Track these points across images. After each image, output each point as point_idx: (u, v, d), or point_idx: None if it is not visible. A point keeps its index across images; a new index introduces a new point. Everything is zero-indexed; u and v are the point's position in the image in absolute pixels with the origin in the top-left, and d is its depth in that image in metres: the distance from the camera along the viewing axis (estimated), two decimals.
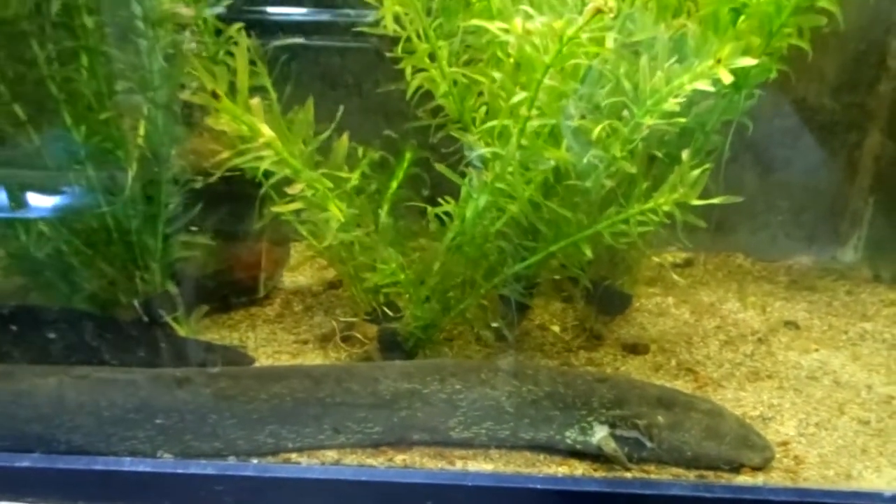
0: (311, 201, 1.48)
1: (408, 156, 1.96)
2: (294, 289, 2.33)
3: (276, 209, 1.55)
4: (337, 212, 1.46)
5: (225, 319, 2.12)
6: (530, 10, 1.41)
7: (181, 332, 1.84)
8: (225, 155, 1.45)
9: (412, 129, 1.90)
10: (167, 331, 1.79)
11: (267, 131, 1.35)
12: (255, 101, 1.35)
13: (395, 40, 1.76)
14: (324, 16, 2.42)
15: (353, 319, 1.96)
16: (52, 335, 1.53)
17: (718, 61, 1.30)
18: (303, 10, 2.40)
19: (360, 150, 1.79)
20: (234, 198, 1.99)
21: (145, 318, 1.80)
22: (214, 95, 1.30)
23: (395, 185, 1.93)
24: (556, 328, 2.12)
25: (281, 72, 1.83)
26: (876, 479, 1.50)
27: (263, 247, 2.19)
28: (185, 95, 1.37)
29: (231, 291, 2.16)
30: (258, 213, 1.97)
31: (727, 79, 1.32)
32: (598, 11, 1.32)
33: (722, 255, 2.61)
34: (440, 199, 1.66)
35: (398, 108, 1.98)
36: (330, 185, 1.47)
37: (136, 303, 1.80)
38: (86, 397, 1.45)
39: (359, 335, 1.93)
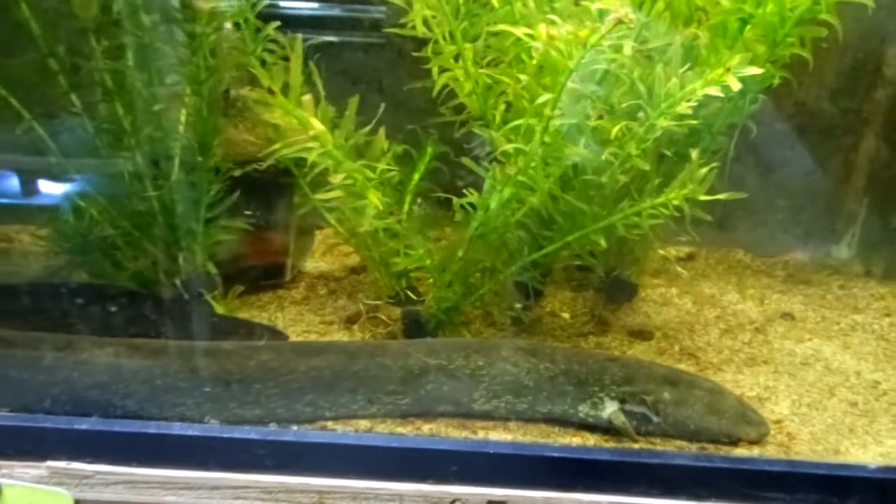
0: (350, 190, 1.60)
1: (429, 149, 2.08)
2: (317, 274, 2.45)
3: (318, 196, 1.67)
4: (375, 200, 1.59)
5: (254, 300, 2.23)
6: (556, 19, 1.53)
7: (218, 309, 1.98)
8: (278, 146, 1.56)
9: (432, 125, 2.02)
10: (207, 308, 1.92)
11: (317, 125, 1.48)
12: (307, 97, 1.48)
13: (415, 38, 1.86)
14: (335, 11, 2.53)
15: (378, 302, 2.09)
16: (113, 309, 1.65)
17: (728, 70, 1.43)
18: (314, 5, 2.52)
19: (386, 144, 1.91)
20: (264, 186, 2.12)
21: (186, 296, 1.93)
22: (270, 92, 1.42)
23: (417, 176, 2.05)
24: (566, 315, 2.24)
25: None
26: (862, 454, 1.62)
27: (291, 233, 2.32)
28: (245, 91, 1.49)
29: (260, 274, 2.28)
30: (291, 201, 2.12)
31: (735, 86, 1.45)
32: (619, 22, 1.44)
33: (723, 250, 2.72)
34: (464, 191, 1.79)
35: (416, 103, 2.10)
36: (372, 175, 1.59)
37: (177, 281, 1.93)
38: (140, 366, 1.58)
39: (383, 317, 2.06)
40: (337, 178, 1.57)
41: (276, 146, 1.58)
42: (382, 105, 1.66)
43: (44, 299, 1.78)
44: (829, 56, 2.40)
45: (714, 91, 1.48)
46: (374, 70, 2.62)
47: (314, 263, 2.53)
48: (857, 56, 2.45)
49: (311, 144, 1.50)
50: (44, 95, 1.75)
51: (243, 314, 2.13)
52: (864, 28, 2.34)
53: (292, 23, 2.48)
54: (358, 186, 1.60)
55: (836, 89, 2.49)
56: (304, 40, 1.86)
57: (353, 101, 1.64)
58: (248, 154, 2.06)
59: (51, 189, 1.94)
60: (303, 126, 1.49)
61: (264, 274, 2.28)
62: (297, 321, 2.14)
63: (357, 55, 2.63)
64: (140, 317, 1.75)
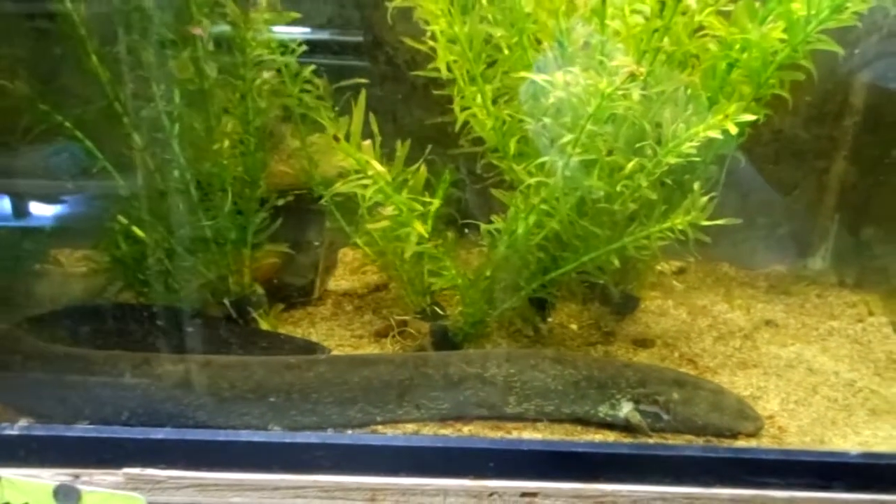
0: (396, 220, 1.81)
1: (447, 177, 2.28)
2: (342, 291, 2.60)
3: (370, 226, 1.87)
4: (420, 229, 1.79)
5: (286, 317, 2.38)
6: (574, 70, 1.76)
7: (263, 326, 2.16)
8: (339, 184, 1.73)
9: (449, 154, 2.21)
10: (255, 326, 2.10)
11: (377, 167, 1.68)
12: (367, 143, 1.68)
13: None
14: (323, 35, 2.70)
15: (407, 317, 2.28)
16: (190, 329, 1.83)
17: (727, 116, 1.67)
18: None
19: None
20: (298, 212, 2.30)
21: (234, 315, 2.11)
22: (336, 139, 1.62)
23: (437, 202, 2.25)
24: (574, 326, 2.43)
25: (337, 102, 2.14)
26: (843, 443, 1.84)
27: (321, 254, 2.50)
28: (314, 138, 1.68)
29: (292, 293, 2.45)
30: (322, 225, 2.31)
31: (734, 130, 1.69)
32: (631, 74, 1.67)
33: (711, 263, 2.91)
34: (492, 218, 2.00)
35: (427, 133, 2.30)
36: (419, 207, 1.80)
37: (226, 301, 2.11)
38: (209, 381, 1.75)
39: (412, 330, 2.25)
40: (387, 211, 1.77)
41: (338, 185, 1.78)
42: (430, 146, 1.86)
43: (109, 319, 1.94)
44: (804, 86, 2.64)
45: (714, 133, 1.71)
46: (389, 101, 2.79)
47: (336, 282, 2.69)
48: (827, 87, 2.68)
49: (366, 181, 1.70)
50: (108, 135, 1.92)
51: (280, 330, 2.30)
52: (833, 62, 2.60)
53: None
54: (404, 217, 1.80)
55: (809, 118, 2.73)
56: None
57: (404, 146, 1.85)
58: (284, 183, 2.26)
59: (107, 216, 2.10)
60: (362, 167, 1.69)
61: (296, 292, 2.46)
62: (329, 336, 2.30)
63: (374, 88, 2.79)
64: (206, 335, 1.92)
